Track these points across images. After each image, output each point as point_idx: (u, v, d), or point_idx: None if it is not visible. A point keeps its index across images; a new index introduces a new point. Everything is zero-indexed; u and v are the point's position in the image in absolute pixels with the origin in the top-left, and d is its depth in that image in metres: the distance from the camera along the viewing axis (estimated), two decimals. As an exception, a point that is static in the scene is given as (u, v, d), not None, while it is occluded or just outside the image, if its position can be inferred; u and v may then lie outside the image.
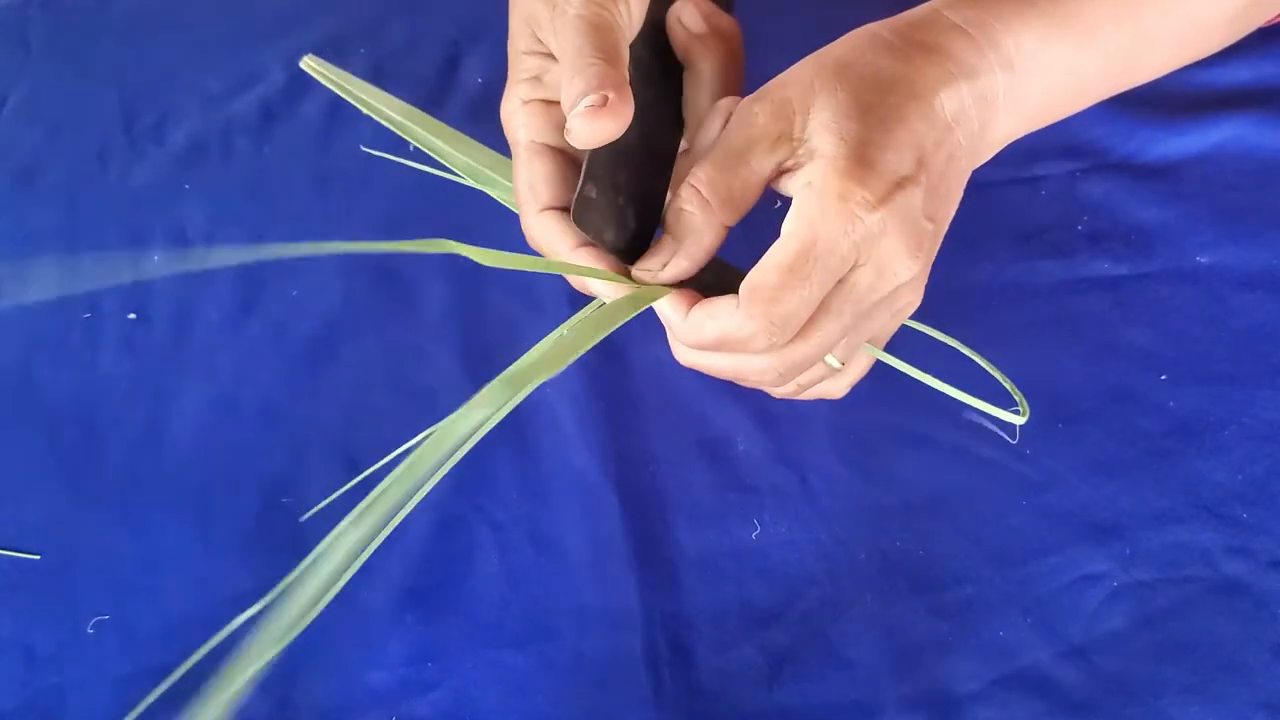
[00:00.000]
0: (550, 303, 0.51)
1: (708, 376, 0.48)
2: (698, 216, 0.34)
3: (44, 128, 0.60)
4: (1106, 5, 0.36)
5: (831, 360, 0.37)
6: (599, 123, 0.32)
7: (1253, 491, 0.44)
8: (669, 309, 0.36)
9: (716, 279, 0.36)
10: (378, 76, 0.59)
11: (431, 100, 0.58)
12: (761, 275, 0.33)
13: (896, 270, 0.34)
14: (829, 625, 0.43)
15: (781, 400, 0.48)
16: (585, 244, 0.37)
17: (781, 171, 0.34)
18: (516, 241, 0.52)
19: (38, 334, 0.53)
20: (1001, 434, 0.39)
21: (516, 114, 0.38)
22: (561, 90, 0.33)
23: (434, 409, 0.49)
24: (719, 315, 0.34)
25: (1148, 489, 0.45)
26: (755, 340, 0.33)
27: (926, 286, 0.37)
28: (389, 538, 0.47)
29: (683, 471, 0.47)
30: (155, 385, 0.52)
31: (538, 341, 0.50)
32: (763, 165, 0.34)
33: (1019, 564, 0.44)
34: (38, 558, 0.48)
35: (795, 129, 0.33)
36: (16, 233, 0.57)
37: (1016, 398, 0.38)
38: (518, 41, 0.37)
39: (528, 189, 0.38)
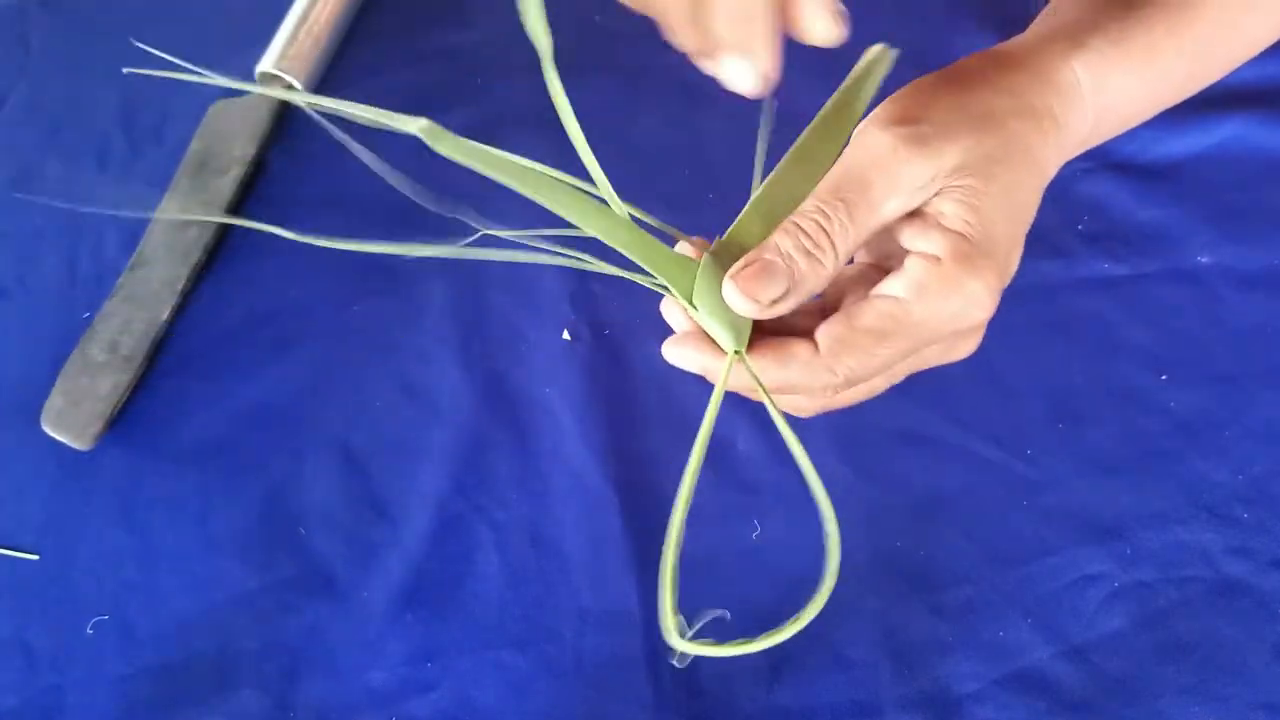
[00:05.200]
0: (550, 303, 0.51)
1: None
2: (825, 269, 0.32)
3: (44, 128, 0.60)
4: (1173, 43, 0.36)
5: None
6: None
7: (1253, 491, 0.44)
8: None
9: None
10: (377, 76, 0.59)
11: (432, 100, 0.58)
12: (853, 335, 0.31)
13: (964, 349, 0.34)
14: (829, 625, 0.43)
15: (781, 400, 0.48)
16: None
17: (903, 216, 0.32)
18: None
19: (37, 333, 0.53)
20: None
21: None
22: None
23: (434, 409, 0.49)
24: (791, 363, 0.32)
25: (1148, 489, 0.45)
26: (823, 393, 0.32)
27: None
28: (389, 537, 0.47)
29: (683, 471, 0.47)
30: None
31: (538, 342, 0.50)
32: (894, 212, 0.32)
33: (1019, 564, 0.44)
34: (37, 558, 0.48)
35: (933, 181, 0.32)
36: (16, 233, 0.57)
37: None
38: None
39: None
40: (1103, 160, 0.52)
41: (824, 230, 0.31)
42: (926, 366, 0.34)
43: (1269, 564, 0.43)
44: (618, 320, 0.50)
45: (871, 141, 0.32)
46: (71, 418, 0.50)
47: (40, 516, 0.49)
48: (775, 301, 0.31)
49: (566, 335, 0.50)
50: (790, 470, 0.47)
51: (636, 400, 0.49)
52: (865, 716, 0.42)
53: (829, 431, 0.47)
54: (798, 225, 0.32)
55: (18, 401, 0.51)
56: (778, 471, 0.46)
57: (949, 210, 0.31)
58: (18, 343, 0.53)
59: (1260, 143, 0.50)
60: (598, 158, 0.33)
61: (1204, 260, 0.49)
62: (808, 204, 0.32)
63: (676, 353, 0.34)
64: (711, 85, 0.59)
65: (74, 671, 0.45)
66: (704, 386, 0.48)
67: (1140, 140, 0.52)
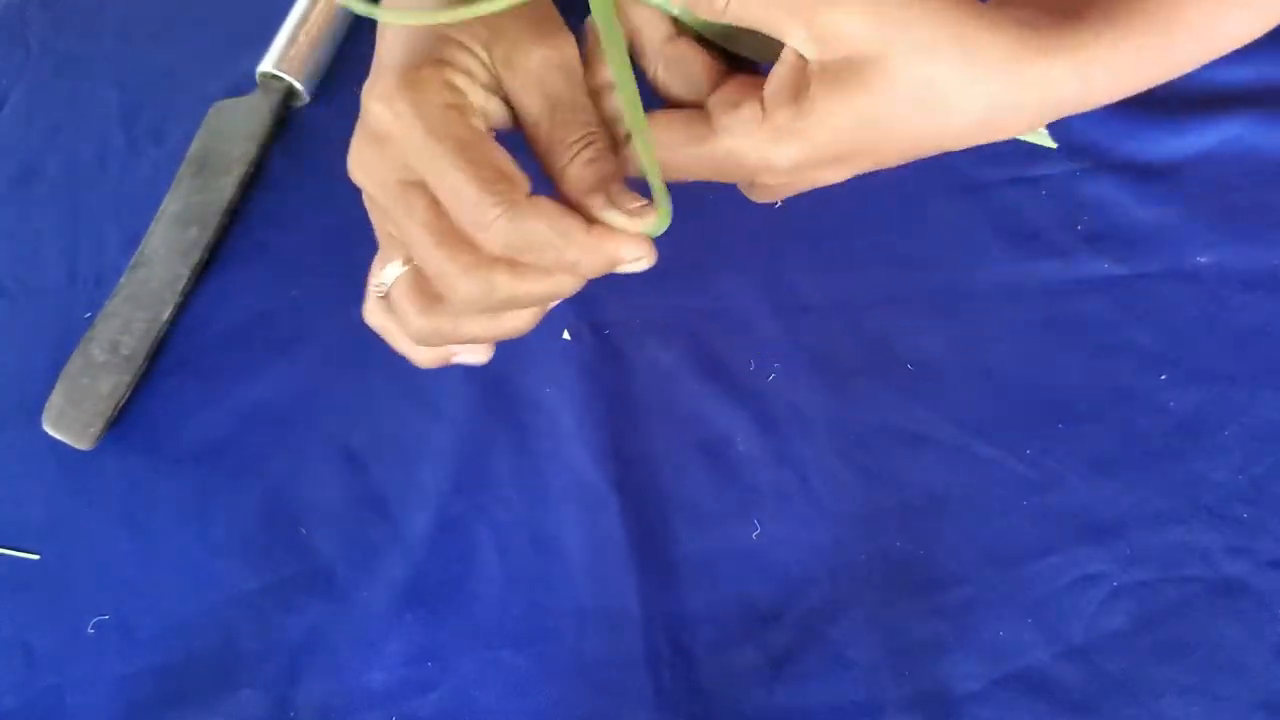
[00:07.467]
0: (550, 303, 0.51)
1: (707, 377, 0.48)
2: None
3: (44, 128, 0.60)
4: (1148, 51, 0.36)
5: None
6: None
7: (1253, 491, 0.44)
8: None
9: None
10: (378, 76, 0.59)
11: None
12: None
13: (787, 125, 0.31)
14: (829, 625, 0.43)
15: (781, 400, 0.48)
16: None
17: None
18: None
19: (38, 333, 0.53)
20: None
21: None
22: None
23: (434, 409, 0.49)
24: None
25: (1148, 489, 0.45)
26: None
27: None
28: (389, 537, 0.47)
29: (683, 471, 0.47)
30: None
31: (538, 342, 0.50)
32: None
33: (1019, 564, 0.44)
34: (37, 558, 0.48)
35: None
36: (16, 233, 0.57)
37: None
38: None
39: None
40: (1103, 160, 0.52)
41: None
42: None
43: (1269, 564, 0.43)
44: (618, 320, 0.50)
45: None
46: (72, 418, 0.50)
47: (40, 516, 0.49)
48: None
49: (566, 335, 0.50)
50: (790, 470, 0.47)
51: (636, 400, 0.49)
52: (865, 716, 0.42)
53: (829, 431, 0.47)
54: None
55: (18, 401, 0.51)
56: (778, 471, 0.46)
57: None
58: (18, 343, 0.53)
59: (1260, 143, 0.50)
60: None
61: (1204, 260, 0.49)
62: None
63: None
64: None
65: (74, 671, 0.45)
66: (704, 386, 0.48)
67: (1140, 140, 0.52)
